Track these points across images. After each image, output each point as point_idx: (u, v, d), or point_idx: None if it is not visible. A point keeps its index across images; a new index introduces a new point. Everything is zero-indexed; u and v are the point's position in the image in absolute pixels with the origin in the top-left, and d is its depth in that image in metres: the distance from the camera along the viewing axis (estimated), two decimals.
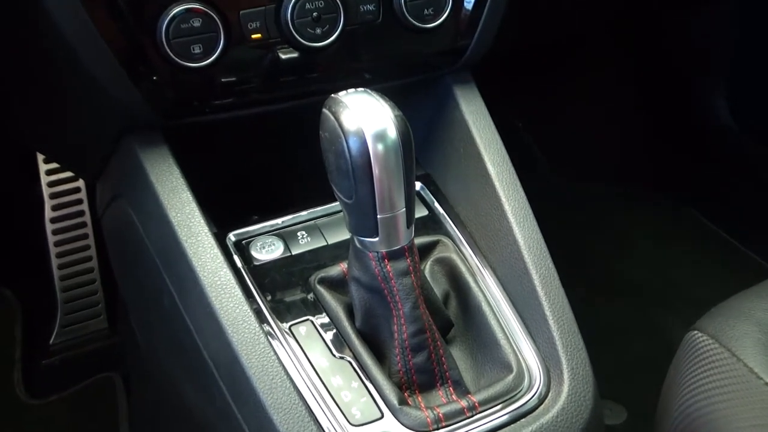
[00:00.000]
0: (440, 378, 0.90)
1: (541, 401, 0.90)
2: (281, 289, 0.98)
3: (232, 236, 1.03)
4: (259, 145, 1.22)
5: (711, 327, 1.04)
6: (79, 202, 1.71)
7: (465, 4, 1.08)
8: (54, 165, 1.66)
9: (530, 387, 0.91)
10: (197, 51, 0.93)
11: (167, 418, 1.28)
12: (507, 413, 0.88)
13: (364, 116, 0.79)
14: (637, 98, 2.27)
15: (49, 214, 1.69)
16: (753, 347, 1.00)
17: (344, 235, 1.04)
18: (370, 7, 1.02)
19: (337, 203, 0.89)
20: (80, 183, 1.69)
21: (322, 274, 0.97)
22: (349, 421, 0.85)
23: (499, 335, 0.94)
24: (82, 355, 1.76)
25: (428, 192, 1.13)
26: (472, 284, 0.99)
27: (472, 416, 0.87)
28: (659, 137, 2.24)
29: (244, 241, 1.03)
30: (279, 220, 1.07)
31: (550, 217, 1.16)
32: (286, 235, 1.05)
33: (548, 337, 0.94)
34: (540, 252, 1.00)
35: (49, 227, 1.69)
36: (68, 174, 1.67)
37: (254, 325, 0.89)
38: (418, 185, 1.12)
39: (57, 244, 1.70)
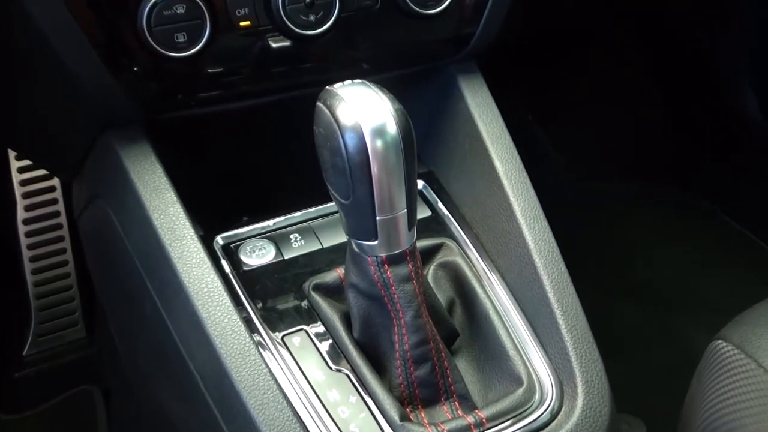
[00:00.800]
0: (445, 392, 0.90)
1: (553, 417, 0.90)
2: (273, 297, 0.98)
3: (219, 239, 1.03)
4: (248, 142, 1.23)
5: (736, 336, 1.04)
6: (54, 202, 1.71)
7: None
8: (26, 162, 1.66)
9: (542, 401, 0.91)
10: (181, 40, 0.93)
11: None
12: (517, 430, 0.88)
13: (362, 110, 0.78)
14: (655, 89, 2.27)
15: (21, 215, 1.68)
16: None
17: (341, 237, 1.04)
18: None
19: (333, 204, 0.89)
20: (55, 182, 1.69)
21: (317, 280, 0.97)
22: None
23: (508, 345, 0.94)
24: (58, 366, 1.75)
25: (431, 191, 1.13)
26: (479, 290, 0.99)
27: None
28: (679, 131, 2.24)
29: (232, 245, 1.03)
30: (270, 222, 1.07)
31: (562, 218, 1.16)
32: (278, 238, 1.05)
33: (561, 347, 0.94)
34: (552, 255, 1.00)
35: (22, 229, 1.69)
36: (42, 172, 1.67)
37: (244, 335, 0.89)
38: (420, 184, 1.12)
39: (30, 247, 1.70)
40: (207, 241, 0.99)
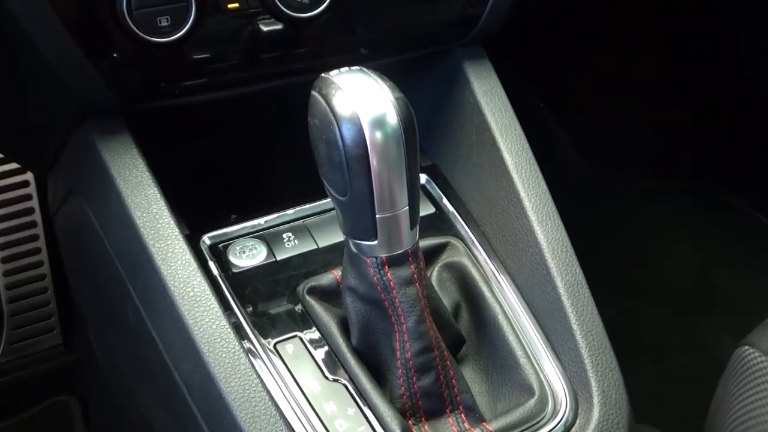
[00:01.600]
0: (450, 403, 0.90)
1: (567, 429, 0.90)
2: (264, 301, 0.98)
3: (206, 239, 1.03)
4: (237, 134, 1.23)
5: (765, 341, 1.05)
6: (28, 198, 1.70)
7: None
8: None
9: (555, 413, 0.91)
10: (165, 24, 0.93)
11: None
12: None
13: (360, 99, 0.78)
14: (674, 80, 2.27)
15: None
16: None
17: (337, 237, 1.04)
18: None
19: (329, 200, 0.89)
20: (29, 176, 1.69)
21: (311, 282, 0.98)
22: None
23: (519, 353, 0.94)
24: (33, 375, 1.76)
25: (435, 186, 1.13)
26: (487, 293, 0.99)
27: None
28: (698, 121, 2.24)
29: (220, 245, 1.04)
30: (261, 220, 1.07)
31: (576, 215, 1.16)
32: (269, 238, 1.05)
33: (575, 354, 0.95)
34: (565, 255, 1.00)
35: None
36: (14, 165, 1.67)
37: (233, 342, 0.89)
38: (423, 178, 1.12)
39: (2, 247, 1.70)
40: (193, 241, 0.99)
